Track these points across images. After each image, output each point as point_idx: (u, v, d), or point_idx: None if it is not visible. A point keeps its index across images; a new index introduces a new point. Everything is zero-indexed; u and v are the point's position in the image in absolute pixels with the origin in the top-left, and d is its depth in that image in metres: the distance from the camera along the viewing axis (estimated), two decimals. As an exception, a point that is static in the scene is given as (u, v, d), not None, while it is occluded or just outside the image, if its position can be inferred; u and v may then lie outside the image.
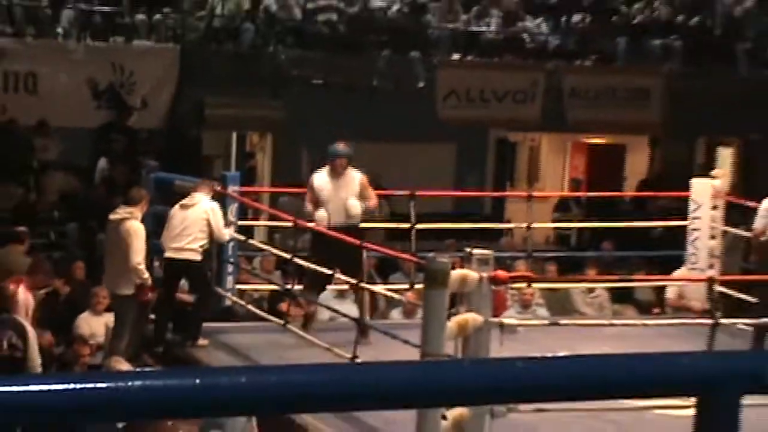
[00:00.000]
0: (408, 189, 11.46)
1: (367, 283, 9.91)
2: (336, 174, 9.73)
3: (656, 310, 12.69)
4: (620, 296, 13.08)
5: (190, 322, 9.95)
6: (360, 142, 17.22)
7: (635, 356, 1.85)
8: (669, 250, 12.31)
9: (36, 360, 9.21)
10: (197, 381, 1.56)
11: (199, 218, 9.87)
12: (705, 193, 10.96)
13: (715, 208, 10.97)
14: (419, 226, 10.99)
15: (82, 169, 15.93)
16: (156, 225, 10.33)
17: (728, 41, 19.29)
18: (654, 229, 14.15)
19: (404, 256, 10.31)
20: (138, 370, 7.45)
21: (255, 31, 17.00)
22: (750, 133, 19.68)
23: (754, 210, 10.75)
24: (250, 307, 10.65)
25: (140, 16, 16.60)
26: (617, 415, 7.72)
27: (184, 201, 10.04)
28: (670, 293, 11.42)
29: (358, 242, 9.34)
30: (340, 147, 9.87)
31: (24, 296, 9.73)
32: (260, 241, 12.84)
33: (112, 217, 10.23)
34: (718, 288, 9.36)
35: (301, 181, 10.59)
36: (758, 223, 9.80)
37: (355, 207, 9.65)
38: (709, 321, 8.46)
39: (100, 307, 10.83)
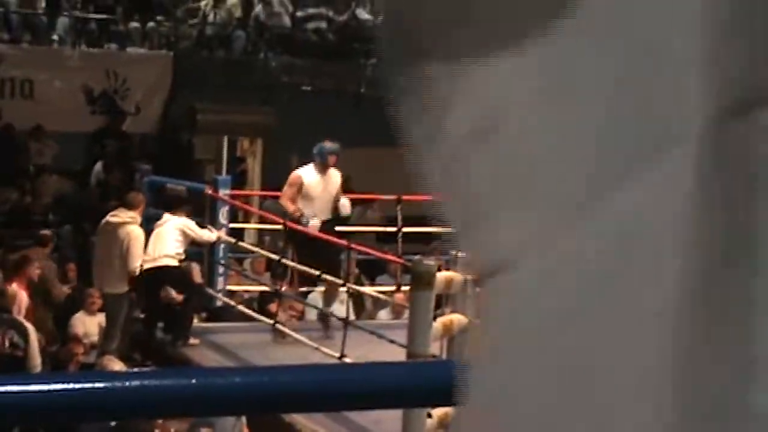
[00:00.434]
0: (394, 193, 11.72)
1: (354, 283, 10.20)
2: (325, 171, 9.97)
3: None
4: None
5: (179, 321, 10.14)
6: (348, 147, 17.54)
7: None
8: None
9: (36, 359, 9.38)
10: (193, 381, 1.56)
11: (170, 231, 10.08)
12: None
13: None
14: (406, 229, 11.25)
15: (76, 173, 16.12)
16: (149, 228, 10.57)
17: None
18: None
19: (391, 258, 10.57)
20: (134, 370, 7.67)
21: (246, 38, 17.28)
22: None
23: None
24: (240, 307, 10.87)
25: (134, 24, 16.86)
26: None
27: (157, 223, 10.28)
28: None
29: (344, 241, 9.61)
30: (332, 144, 10.13)
31: (19, 295, 9.99)
32: (250, 243, 13.10)
33: (111, 219, 10.41)
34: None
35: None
36: None
37: (347, 206, 9.94)
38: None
39: (94, 307, 10.98)
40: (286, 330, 9.73)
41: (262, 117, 17.07)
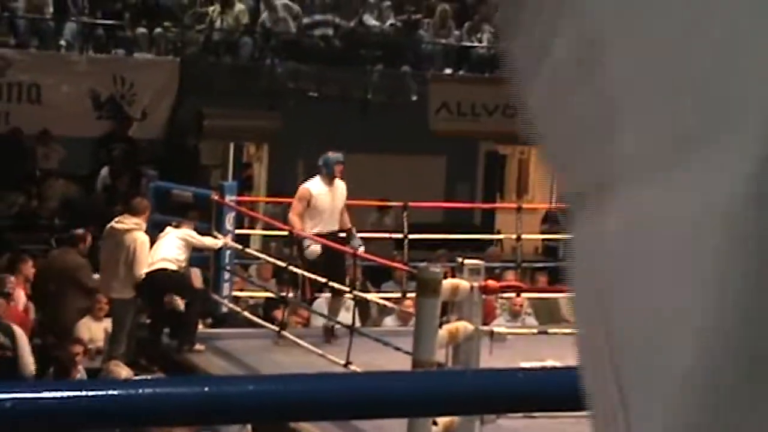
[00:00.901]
0: (400, 200, 11.74)
1: (360, 290, 10.22)
2: (332, 182, 9.98)
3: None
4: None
5: (183, 327, 10.16)
6: (353, 153, 17.57)
7: None
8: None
9: (27, 358, 9.39)
10: (205, 389, 1.57)
11: (172, 239, 10.15)
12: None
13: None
14: (411, 236, 11.26)
15: (82, 178, 16.17)
16: (154, 234, 10.61)
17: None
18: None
19: (397, 265, 10.59)
20: (146, 377, 7.68)
21: (253, 44, 17.32)
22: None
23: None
24: (246, 313, 10.89)
25: (141, 30, 16.90)
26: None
27: (160, 235, 10.33)
28: None
29: (349, 249, 9.64)
30: (337, 154, 10.14)
31: (17, 292, 10.04)
32: (256, 249, 13.13)
33: (117, 225, 10.46)
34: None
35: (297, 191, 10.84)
36: None
37: (358, 242, 9.97)
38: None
39: (101, 313, 11.04)
40: (292, 337, 9.75)
41: (269, 123, 17.12)
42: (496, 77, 18.76)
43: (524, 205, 14.09)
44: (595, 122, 0.59)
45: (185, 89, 16.73)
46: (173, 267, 10.09)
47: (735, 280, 0.53)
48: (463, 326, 7.85)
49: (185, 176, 13.72)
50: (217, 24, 17.25)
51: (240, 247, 11.05)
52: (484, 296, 8.11)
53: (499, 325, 9.71)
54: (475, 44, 18.82)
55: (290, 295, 10.26)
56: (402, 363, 7.79)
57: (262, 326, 10.31)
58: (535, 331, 10.46)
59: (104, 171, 15.92)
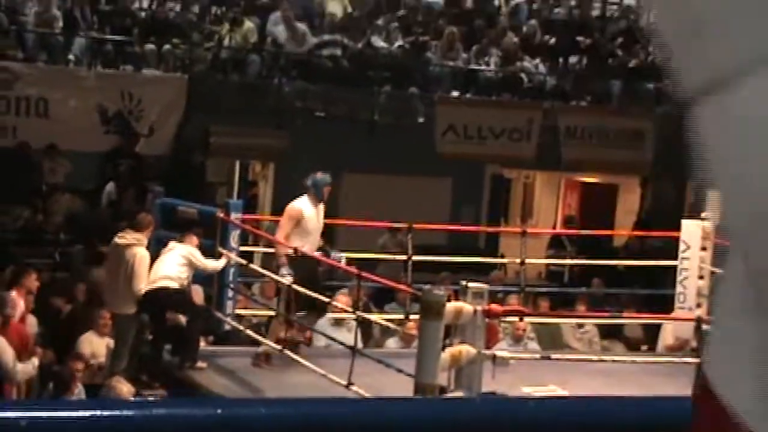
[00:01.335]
0: (405, 221, 11.74)
1: (363, 311, 10.21)
2: (317, 203, 9.96)
3: (644, 347, 12.99)
4: (609, 332, 13.36)
5: (185, 344, 10.15)
6: (359, 174, 17.62)
7: (641, 398, 1.88)
8: (658, 288, 12.61)
9: (9, 366, 9.35)
10: (218, 411, 1.59)
11: (175, 256, 10.15)
12: (695, 235, 11.24)
13: (704, 249, 11.25)
14: (416, 258, 11.25)
15: (88, 192, 16.20)
16: (159, 250, 10.62)
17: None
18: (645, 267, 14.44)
19: (401, 287, 10.57)
20: (160, 398, 7.64)
21: (261, 63, 17.37)
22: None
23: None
24: (248, 331, 10.87)
25: (150, 46, 16.95)
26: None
27: (164, 250, 10.33)
28: (668, 339, 11.61)
29: (353, 269, 9.63)
30: (325, 175, 10.10)
31: (18, 302, 10.06)
32: (261, 266, 13.11)
33: (118, 241, 10.48)
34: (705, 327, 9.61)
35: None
36: None
37: (343, 259, 10.00)
38: (697, 360, 8.73)
39: (105, 329, 10.99)
40: (294, 356, 9.74)
41: (275, 141, 17.15)
42: (503, 101, 18.82)
43: (528, 230, 14.04)
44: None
45: (193, 106, 16.77)
46: (175, 285, 10.09)
47: None
48: (466, 350, 7.84)
49: (191, 193, 13.74)
50: (226, 42, 17.30)
51: (245, 262, 11.03)
52: (486, 320, 8.10)
53: (502, 349, 9.69)
54: (483, 67, 18.87)
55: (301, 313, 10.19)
56: (404, 385, 7.79)
57: (264, 345, 10.28)
58: (537, 356, 10.43)
59: (110, 186, 15.95)
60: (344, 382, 8.66)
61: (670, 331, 11.60)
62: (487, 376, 7.95)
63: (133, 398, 8.15)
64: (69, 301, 12.21)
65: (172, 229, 11.15)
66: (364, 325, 10.67)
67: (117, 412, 1.48)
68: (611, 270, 15.26)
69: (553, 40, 19.63)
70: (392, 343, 11.43)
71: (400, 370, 8.26)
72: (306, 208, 9.89)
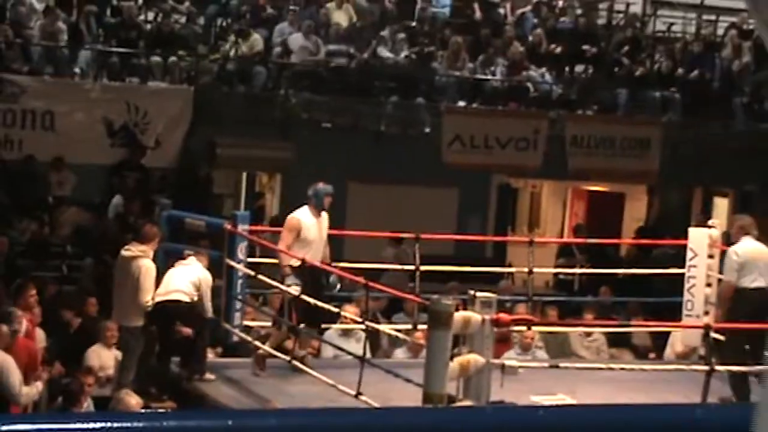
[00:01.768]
0: (412, 231, 11.72)
1: (372, 321, 10.19)
2: (320, 213, 9.94)
3: (652, 355, 12.95)
4: (617, 340, 13.33)
5: (193, 356, 10.15)
6: (366, 184, 17.62)
7: (650, 406, 1.96)
8: (666, 296, 12.57)
9: (15, 389, 9.32)
10: (229, 422, 1.60)
11: (191, 275, 10.15)
12: (702, 242, 11.20)
13: (711, 257, 11.21)
14: (423, 267, 11.23)
15: (95, 205, 16.20)
16: (166, 262, 10.62)
17: (726, 94, 19.67)
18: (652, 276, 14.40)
19: (408, 296, 10.55)
20: (171, 410, 7.63)
21: (267, 74, 17.40)
22: (745, 183, 20.02)
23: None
24: (257, 343, 10.86)
25: (155, 58, 16.97)
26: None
27: (181, 262, 10.33)
28: (677, 347, 11.56)
29: (361, 279, 9.61)
30: (327, 186, 10.08)
31: (21, 318, 10.07)
32: (269, 277, 13.09)
33: (124, 253, 10.47)
34: (713, 335, 9.58)
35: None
36: (729, 276, 9.91)
37: (336, 283, 9.98)
38: (705, 367, 8.69)
39: (112, 340, 10.97)
40: (303, 366, 9.72)
41: (282, 153, 17.15)
42: (509, 110, 18.82)
43: (536, 239, 14.02)
44: None
45: (199, 118, 16.78)
46: (186, 299, 10.11)
47: None
48: (474, 359, 7.82)
49: (198, 205, 13.75)
50: (231, 53, 17.32)
51: (252, 273, 11.01)
52: (498, 329, 8.07)
53: (511, 358, 9.66)
54: (489, 77, 18.87)
55: (302, 325, 10.19)
56: (412, 395, 7.77)
57: (272, 356, 10.27)
58: (546, 364, 10.40)
59: (117, 199, 15.94)
60: (353, 392, 8.65)
61: (678, 339, 11.56)
62: (495, 385, 7.92)
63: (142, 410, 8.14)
64: (78, 314, 12.20)
65: (180, 241, 11.15)
66: (373, 336, 10.66)
67: (128, 424, 1.46)
68: (620, 278, 15.22)
69: (559, 49, 19.62)
70: (400, 353, 11.41)
71: (408, 380, 8.24)
72: (305, 218, 9.88)
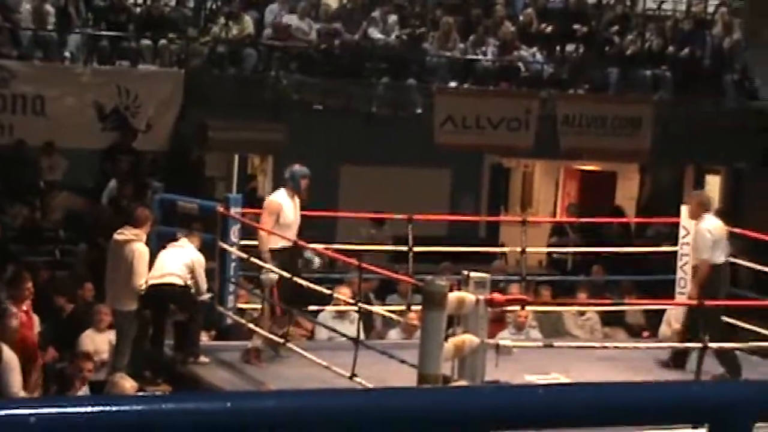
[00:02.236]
0: (404, 213, 11.72)
1: (364, 303, 10.19)
2: (295, 194, 9.94)
3: (646, 334, 12.99)
4: (611, 319, 13.37)
5: (187, 339, 10.15)
6: (358, 165, 17.61)
7: (647, 384, 1.90)
8: (659, 274, 12.59)
9: (12, 375, 9.27)
10: (227, 404, 1.60)
11: (185, 257, 10.15)
12: (694, 220, 11.20)
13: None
14: (416, 249, 11.23)
15: (87, 190, 16.18)
16: (159, 245, 10.61)
17: (717, 72, 19.69)
18: (645, 254, 14.43)
19: (402, 277, 10.54)
20: (169, 393, 7.60)
21: (257, 56, 17.35)
22: (737, 161, 20.05)
23: (740, 237, 11.07)
24: (250, 325, 10.86)
25: (145, 41, 16.91)
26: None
27: (173, 243, 10.32)
28: (673, 324, 11.57)
29: (353, 261, 9.60)
30: (303, 168, 10.08)
31: (15, 310, 10.03)
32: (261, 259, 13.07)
33: (117, 237, 10.47)
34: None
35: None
36: (706, 254, 9.85)
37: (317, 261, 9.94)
38: (698, 345, 8.73)
39: (103, 324, 10.97)
40: (296, 348, 9.73)
41: (273, 134, 17.12)
42: (500, 90, 18.80)
43: (529, 219, 14.02)
44: None
45: (190, 101, 16.74)
46: (180, 282, 10.10)
47: None
48: (469, 339, 7.83)
49: (190, 188, 13.72)
50: (222, 35, 17.26)
51: (245, 256, 11.00)
52: (493, 309, 8.08)
53: (505, 338, 9.69)
54: (480, 57, 18.85)
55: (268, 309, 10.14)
56: (407, 376, 7.78)
57: (266, 338, 10.26)
58: (540, 344, 10.43)
59: (112, 183, 15.90)
60: (347, 374, 8.66)
61: (672, 317, 11.59)
62: (489, 365, 7.94)
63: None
64: (71, 299, 12.19)
65: (173, 224, 11.14)
66: (366, 317, 10.66)
67: (126, 408, 1.48)
68: (612, 257, 15.23)
69: (549, 29, 19.60)
70: (394, 335, 11.43)
71: (403, 361, 8.25)
72: (284, 201, 9.88)
